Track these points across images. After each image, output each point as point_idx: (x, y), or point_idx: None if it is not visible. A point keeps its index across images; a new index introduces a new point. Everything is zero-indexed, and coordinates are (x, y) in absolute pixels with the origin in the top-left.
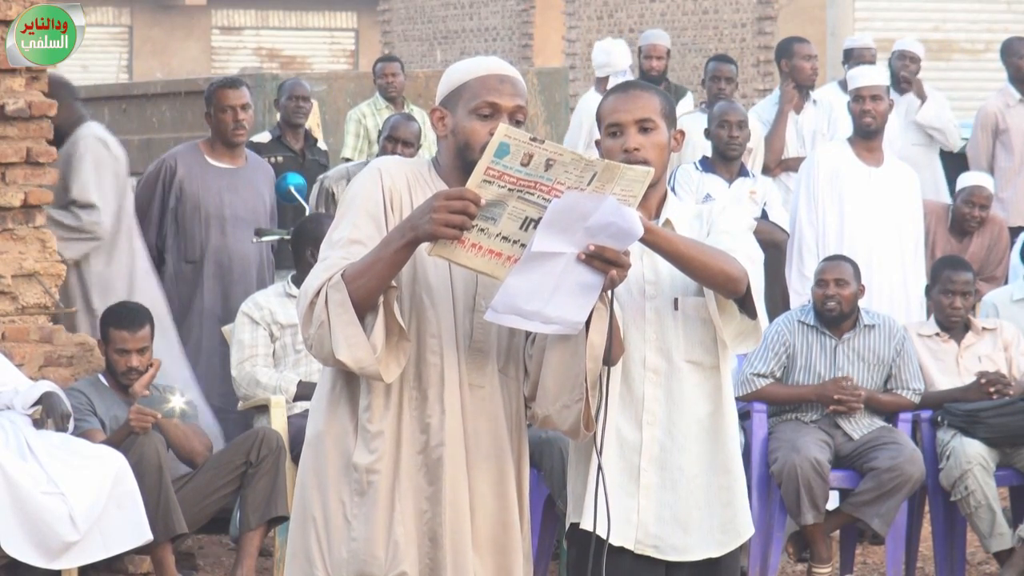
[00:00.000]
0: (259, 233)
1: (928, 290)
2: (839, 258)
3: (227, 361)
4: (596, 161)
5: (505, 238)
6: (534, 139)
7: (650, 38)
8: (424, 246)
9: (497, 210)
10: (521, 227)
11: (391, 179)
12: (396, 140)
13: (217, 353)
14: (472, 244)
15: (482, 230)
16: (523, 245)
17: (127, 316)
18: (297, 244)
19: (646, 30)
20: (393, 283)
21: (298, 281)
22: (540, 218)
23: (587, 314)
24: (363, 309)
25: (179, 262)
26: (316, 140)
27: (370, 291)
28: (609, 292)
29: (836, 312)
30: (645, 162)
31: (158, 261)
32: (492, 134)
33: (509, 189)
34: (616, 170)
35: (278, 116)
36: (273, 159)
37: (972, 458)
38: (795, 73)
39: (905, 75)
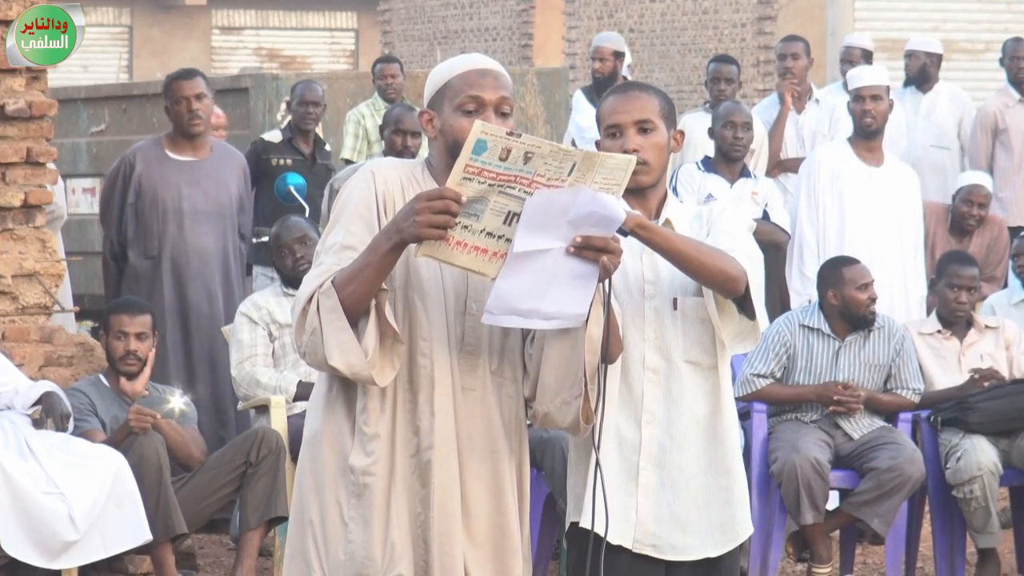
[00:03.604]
0: (258, 234)
1: (932, 284)
2: (855, 259)
3: (191, 358)
4: (575, 151)
5: (489, 234)
6: (511, 133)
7: (596, 41)
8: (411, 248)
9: (479, 206)
10: (504, 221)
11: (384, 182)
12: (404, 132)
13: (180, 350)
14: (457, 242)
15: (466, 227)
16: (508, 240)
17: (127, 303)
18: (274, 247)
19: (601, 32)
20: (385, 286)
21: (287, 281)
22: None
23: (587, 304)
24: (355, 314)
25: (140, 258)
26: (324, 143)
27: (361, 296)
28: (606, 284)
29: (874, 313)
30: (644, 163)
31: (121, 257)
32: None
33: (490, 185)
34: (596, 159)
35: (279, 116)
36: (282, 161)
37: (983, 465)
38: (778, 72)
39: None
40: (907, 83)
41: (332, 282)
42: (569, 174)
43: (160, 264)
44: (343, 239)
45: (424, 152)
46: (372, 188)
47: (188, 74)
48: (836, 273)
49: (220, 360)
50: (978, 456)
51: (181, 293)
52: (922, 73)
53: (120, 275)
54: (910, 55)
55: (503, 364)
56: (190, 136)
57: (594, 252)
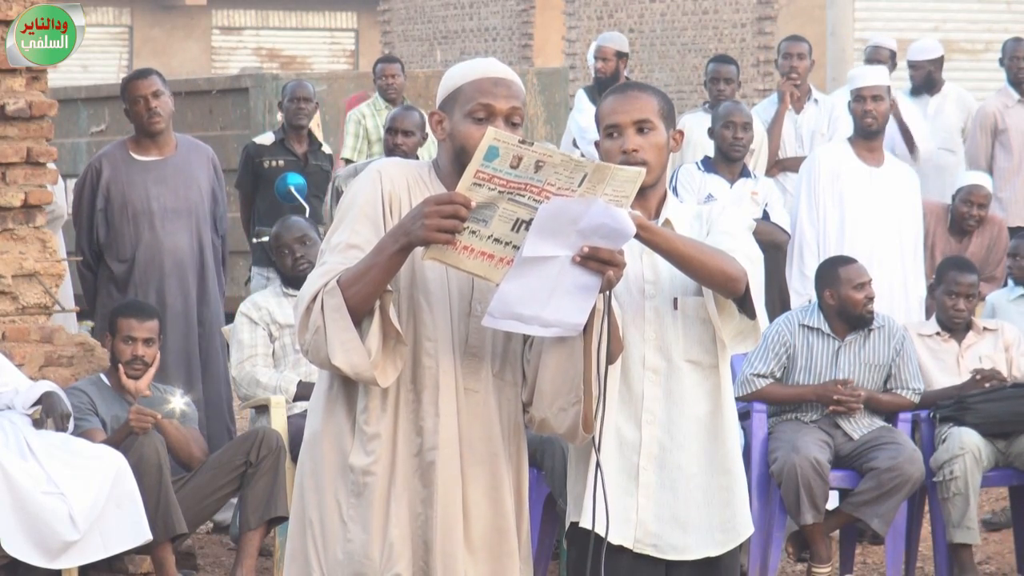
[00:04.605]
0: (258, 234)
1: (932, 289)
2: (852, 258)
3: (164, 354)
4: (586, 162)
5: (496, 240)
6: (523, 141)
7: (599, 40)
8: (418, 250)
9: (488, 212)
10: (512, 228)
11: (390, 182)
12: (396, 130)
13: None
14: (464, 247)
15: (473, 232)
16: (515, 247)
17: (136, 307)
18: (274, 247)
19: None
20: (389, 287)
21: (287, 281)
22: (531, 219)
23: (586, 315)
24: (359, 314)
25: (115, 262)
26: (320, 144)
27: (365, 296)
28: (608, 292)
29: (872, 312)
30: (644, 163)
31: (95, 263)
32: None
33: (499, 192)
34: (607, 171)
35: (280, 116)
36: (275, 162)
37: (966, 445)
38: (782, 70)
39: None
40: (914, 91)
41: (337, 281)
42: (579, 185)
43: (135, 266)
44: (348, 238)
45: (425, 152)
46: (378, 188)
47: (142, 74)
48: (833, 273)
49: (194, 358)
50: (962, 437)
51: (158, 293)
52: (928, 80)
53: (95, 281)
54: (914, 66)
55: (505, 367)
56: (152, 135)
57: (599, 264)
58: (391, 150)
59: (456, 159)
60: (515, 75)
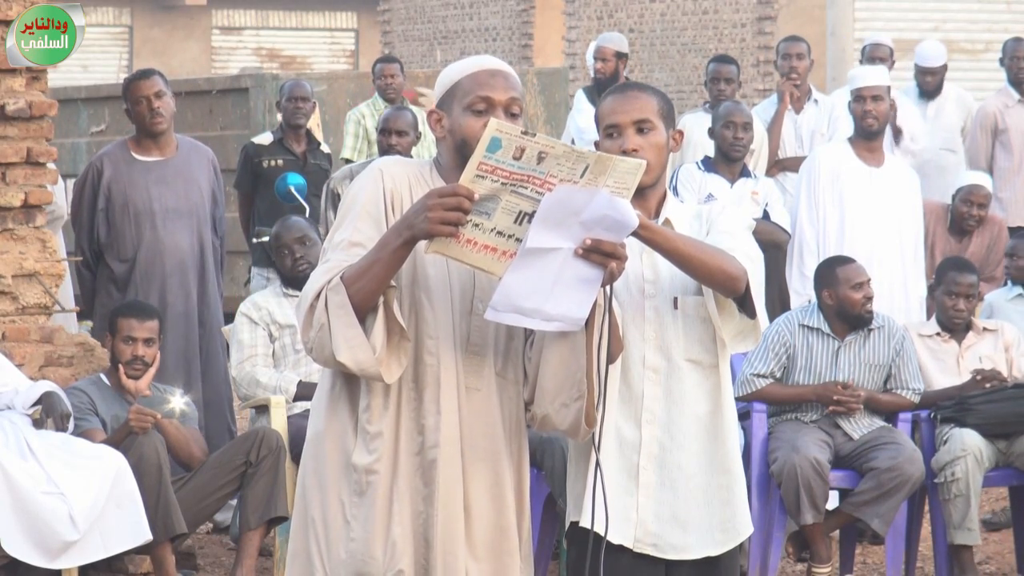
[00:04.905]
0: (258, 234)
1: (932, 289)
2: (850, 258)
3: (164, 354)
4: (588, 153)
5: (500, 232)
6: (525, 132)
7: (598, 41)
8: (421, 245)
9: (491, 205)
10: (515, 221)
11: (392, 180)
12: (389, 131)
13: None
14: (467, 240)
15: (476, 225)
16: (518, 239)
17: (136, 307)
18: (274, 247)
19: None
20: (393, 283)
21: (286, 281)
22: (534, 211)
23: (588, 309)
24: (363, 310)
25: (115, 262)
26: (319, 143)
27: (369, 292)
28: (608, 288)
29: (871, 312)
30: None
31: (95, 264)
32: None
33: (502, 183)
34: (608, 162)
35: (279, 117)
36: (274, 162)
37: (968, 447)
38: (781, 71)
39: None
40: (925, 95)
41: (340, 278)
42: (581, 176)
43: (136, 266)
44: (351, 236)
45: (423, 152)
46: (380, 186)
47: (145, 74)
48: (831, 273)
49: (195, 358)
50: (964, 438)
51: (159, 293)
52: (940, 83)
53: (94, 281)
54: (931, 72)
55: (507, 365)
56: (154, 135)
57: (602, 256)
58: (385, 151)
59: (458, 153)
60: (510, 68)
